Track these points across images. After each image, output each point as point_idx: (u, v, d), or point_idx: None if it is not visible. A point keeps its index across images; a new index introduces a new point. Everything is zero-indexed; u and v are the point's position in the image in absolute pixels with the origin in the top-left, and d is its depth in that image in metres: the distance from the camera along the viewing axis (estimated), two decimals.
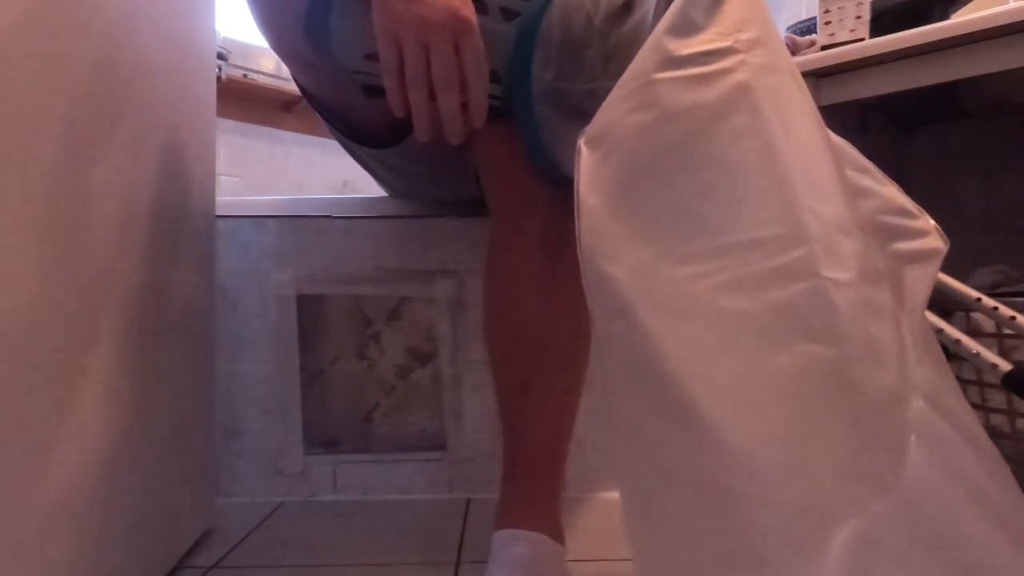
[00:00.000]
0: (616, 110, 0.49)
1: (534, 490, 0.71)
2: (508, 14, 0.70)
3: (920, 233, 0.57)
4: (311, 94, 0.87)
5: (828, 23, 1.22)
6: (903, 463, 0.38)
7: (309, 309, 1.10)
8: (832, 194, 0.45)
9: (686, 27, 0.47)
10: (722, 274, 0.42)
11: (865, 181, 0.58)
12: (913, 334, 0.44)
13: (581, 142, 0.49)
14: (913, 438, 0.39)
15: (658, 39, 0.48)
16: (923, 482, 0.38)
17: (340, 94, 0.85)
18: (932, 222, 0.58)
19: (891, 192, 0.59)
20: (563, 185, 0.75)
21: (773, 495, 0.38)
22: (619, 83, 0.49)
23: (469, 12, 0.62)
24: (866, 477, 0.38)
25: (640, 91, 0.47)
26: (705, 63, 0.46)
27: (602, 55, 0.69)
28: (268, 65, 2.30)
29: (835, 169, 0.47)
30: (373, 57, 0.69)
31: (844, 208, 0.45)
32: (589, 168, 0.48)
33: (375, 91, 0.81)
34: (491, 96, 0.71)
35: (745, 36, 0.46)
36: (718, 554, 0.39)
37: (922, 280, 0.56)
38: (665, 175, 0.45)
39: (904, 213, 0.58)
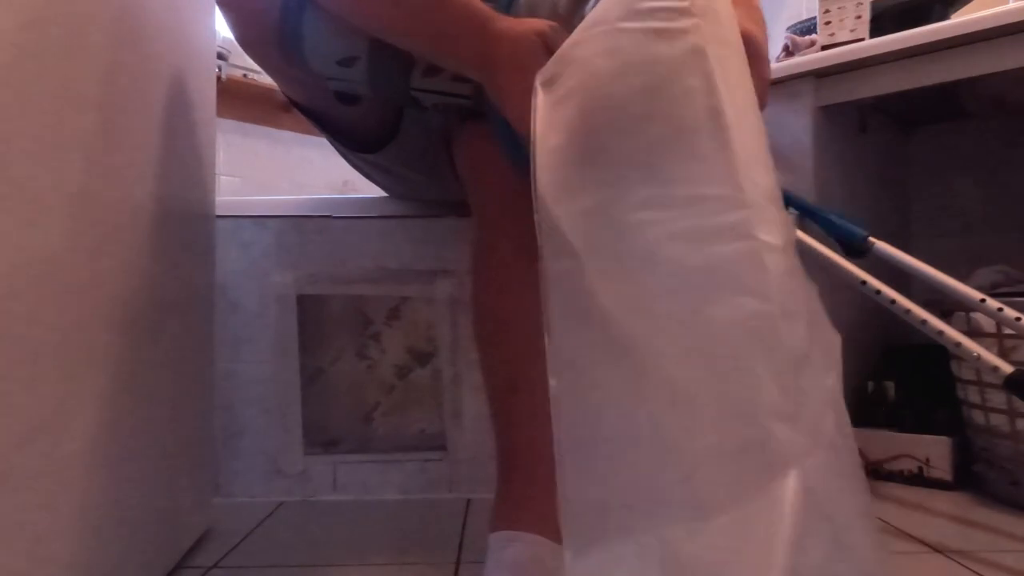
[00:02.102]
0: (577, 53, 0.50)
1: (529, 491, 0.71)
2: None
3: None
4: (294, 100, 0.88)
5: (828, 23, 1.22)
6: (826, 421, 0.41)
7: (309, 309, 1.10)
8: (765, 166, 0.47)
9: None
10: (669, 224, 0.43)
11: None
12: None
13: (537, 82, 0.50)
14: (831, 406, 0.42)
15: None
16: (836, 446, 0.41)
17: (318, 102, 0.85)
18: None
19: None
20: None
21: (713, 434, 0.40)
22: (581, 27, 0.50)
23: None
24: (801, 423, 0.40)
25: (604, 37, 0.48)
26: (665, 19, 0.47)
27: None
28: None
29: (766, 143, 0.49)
30: (345, 63, 0.69)
31: (773, 181, 0.47)
32: (546, 109, 0.49)
33: (349, 98, 0.81)
34: (463, 96, 0.70)
35: (700, 1, 0.48)
36: (654, 494, 0.40)
37: None
38: (624, 123, 0.46)
39: None
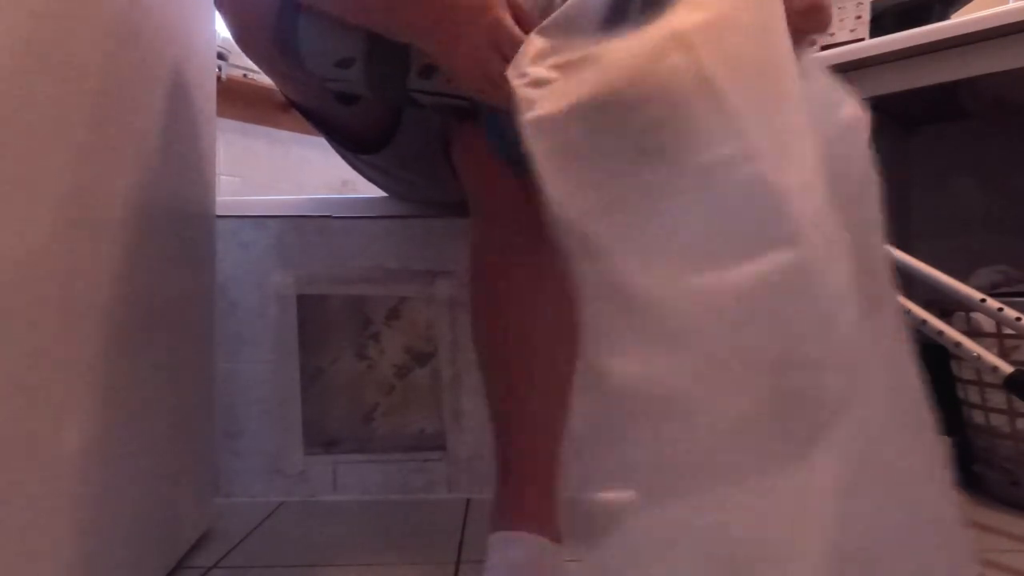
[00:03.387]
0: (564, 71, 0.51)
1: (527, 491, 0.71)
2: None
3: None
4: (294, 101, 0.88)
5: None
6: (875, 370, 0.41)
7: (309, 309, 1.10)
8: (786, 105, 0.47)
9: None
10: (683, 197, 0.44)
11: None
12: None
13: (521, 84, 0.50)
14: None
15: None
16: (887, 396, 0.41)
17: (317, 102, 0.85)
18: None
19: None
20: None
21: (747, 397, 0.40)
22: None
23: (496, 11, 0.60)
24: (844, 373, 0.40)
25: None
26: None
27: None
28: None
29: (790, 83, 0.48)
30: (342, 64, 0.69)
31: (798, 118, 0.47)
32: (535, 123, 0.49)
33: (348, 98, 0.81)
34: (458, 97, 0.70)
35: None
36: (685, 465, 0.41)
37: None
38: (619, 113, 0.47)
39: None
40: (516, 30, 0.59)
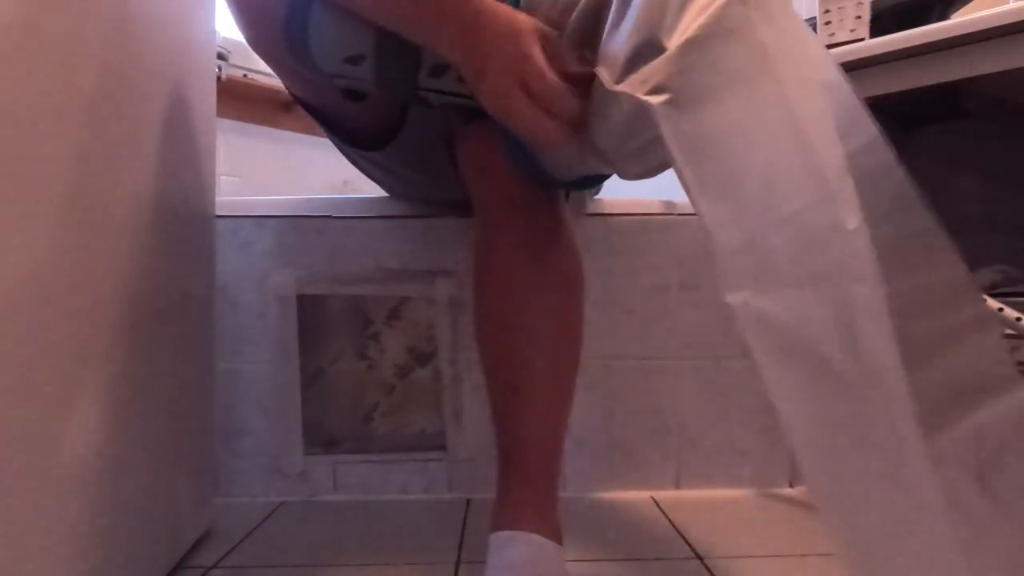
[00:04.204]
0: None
1: (529, 491, 0.71)
2: None
3: None
4: (299, 97, 0.88)
5: (828, 23, 1.22)
6: None
7: (309, 309, 1.10)
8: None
9: None
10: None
11: None
12: None
13: (655, 103, 0.52)
14: None
15: None
16: None
17: (324, 98, 0.85)
18: None
19: None
20: (544, 183, 0.75)
21: None
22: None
23: (527, 46, 0.58)
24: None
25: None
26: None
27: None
28: None
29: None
30: (351, 61, 0.69)
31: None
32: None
33: (356, 95, 0.81)
34: (468, 96, 0.70)
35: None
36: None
37: None
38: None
39: None
40: (543, 66, 0.57)
